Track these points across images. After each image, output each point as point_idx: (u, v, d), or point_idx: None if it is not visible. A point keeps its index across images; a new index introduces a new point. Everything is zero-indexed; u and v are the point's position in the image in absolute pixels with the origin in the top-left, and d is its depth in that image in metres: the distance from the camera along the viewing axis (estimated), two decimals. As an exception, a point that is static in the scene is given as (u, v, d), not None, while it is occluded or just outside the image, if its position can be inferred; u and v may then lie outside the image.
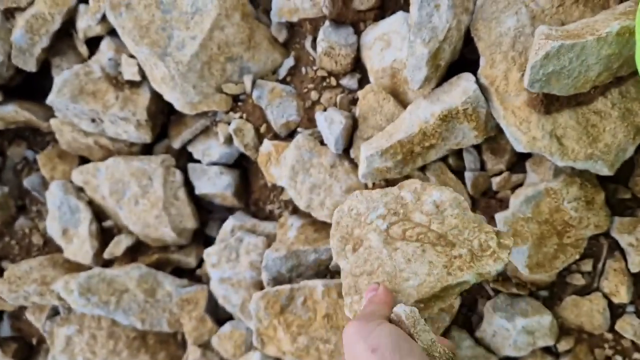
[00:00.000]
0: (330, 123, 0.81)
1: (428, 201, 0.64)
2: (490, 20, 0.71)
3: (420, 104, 0.73)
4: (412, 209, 0.64)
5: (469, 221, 0.62)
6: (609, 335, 0.77)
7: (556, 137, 0.66)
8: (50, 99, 0.95)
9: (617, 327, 0.76)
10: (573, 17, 0.69)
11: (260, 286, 0.89)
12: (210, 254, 0.91)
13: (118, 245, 1.02)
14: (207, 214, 1.04)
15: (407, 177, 0.77)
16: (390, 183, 0.79)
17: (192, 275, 1.04)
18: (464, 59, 0.79)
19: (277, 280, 0.84)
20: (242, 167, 0.99)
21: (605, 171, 0.67)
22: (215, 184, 0.95)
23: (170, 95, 0.90)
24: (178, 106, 0.91)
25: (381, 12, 0.86)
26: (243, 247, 0.88)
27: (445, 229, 0.62)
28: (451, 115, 0.71)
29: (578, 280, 0.77)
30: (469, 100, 0.71)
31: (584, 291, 0.77)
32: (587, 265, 0.76)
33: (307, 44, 0.91)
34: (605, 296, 0.76)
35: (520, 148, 0.68)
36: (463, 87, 0.72)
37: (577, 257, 0.74)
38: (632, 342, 0.75)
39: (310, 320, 0.82)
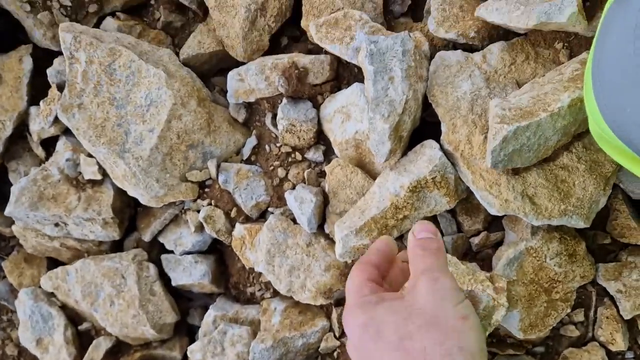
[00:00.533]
0: (301, 202, 0.79)
1: None
2: (445, 85, 0.71)
3: (389, 177, 0.72)
4: None
5: (463, 274, 0.65)
6: (613, 385, 0.75)
7: (528, 197, 0.66)
8: (9, 210, 0.91)
9: (619, 375, 0.74)
10: (526, 74, 0.70)
11: (249, 377, 0.85)
12: (194, 350, 0.87)
13: (97, 350, 0.97)
14: (187, 302, 1.00)
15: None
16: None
17: (179, 369, 1.00)
18: (424, 122, 0.79)
19: (266, 372, 0.80)
20: (218, 251, 0.96)
21: (581, 225, 0.66)
22: (191, 274, 0.92)
23: (134, 192, 0.88)
24: (143, 201, 0.88)
25: (337, 83, 0.86)
26: (227, 339, 0.85)
27: None
28: (420, 186, 0.70)
29: (572, 331, 0.75)
30: (436, 169, 0.70)
31: (579, 342, 0.76)
32: (579, 316, 0.75)
33: (268, 121, 0.90)
34: (602, 345, 0.74)
35: (493, 211, 0.67)
36: (428, 155, 0.71)
37: (569, 310, 0.72)
38: (637, 389, 0.73)
39: (306, 409, 0.79)
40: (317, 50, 0.89)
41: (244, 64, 0.91)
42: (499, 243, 0.76)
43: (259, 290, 0.92)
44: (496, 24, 0.67)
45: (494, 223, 0.77)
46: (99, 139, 0.86)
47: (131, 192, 0.88)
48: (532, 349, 0.76)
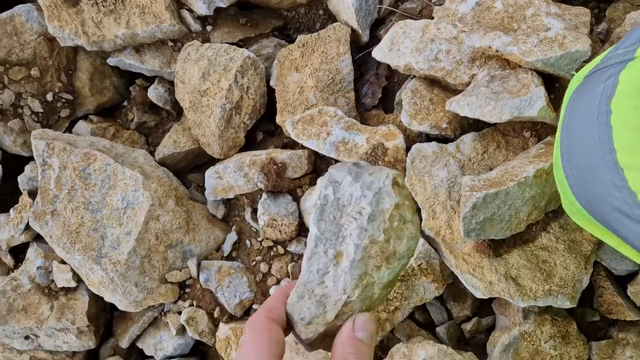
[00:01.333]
0: (287, 299, 0.77)
1: None
2: (423, 175, 0.73)
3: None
4: None
5: None
6: None
7: (512, 279, 0.66)
8: (-24, 327, 0.86)
9: None
10: (498, 161, 0.72)
11: None
12: None
13: None
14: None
15: (381, 343, 0.74)
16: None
17: None
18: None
19: None
20: (200, 353, 0.92)
21: (567, 304, 0.67)
22: (173, 381, 0.87)
23: (111, 298, 0.84)
24: (122, 307, 0.85)
25: (315, 175, 0.87)
26: None
27: None
28: (408, 274, 0.70)
29: (572, 414, 0.74)
30: (421, 256, 0.71)
31: None
32: (577, 397, 0.74)
33: (247, 216, 0.89)
34: None
35: (479, 294, 0.68)
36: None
37: (566, 392, 0.72)
38: None
39: None
40: (292, 144, 0.90)
41: (220, 160, 0.92)
42: (491, 328, 0.76)
43: (246, 393, 0.87)
44: (469, 117, 0.70)
45: (483, 308, 0.76)
46: (73, 246, 0.84)
47: (108, 298, 0.85)
48: None
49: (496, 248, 0.68)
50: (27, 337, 0.88)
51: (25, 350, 0.91)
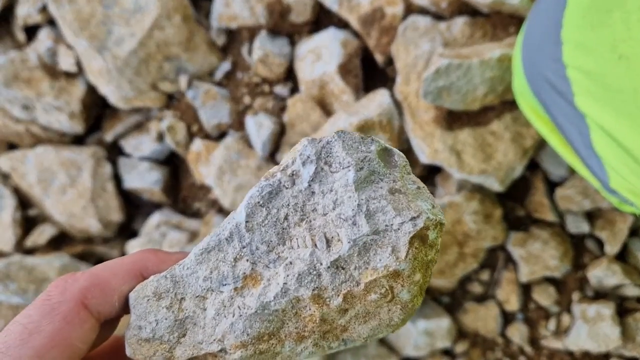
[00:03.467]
0: (259, 127, 0.85)
1: None
2: (409, 44, 0.78)
3: (341, 116, 0.78)
4: None
5: None
6: (500, 340, 0.84)
7: (455, 152, 0.73)
8: (-18, 82, 0.95)
9: (507, 333, 0.83)
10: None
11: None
12: (133, 246, 0.92)
13: (41, 235, 1.02)
14: (135, 208, 1.05)
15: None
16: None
17: (116, 268, 1.05)
18: (384, 75, 0.85)
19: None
20: (173, 165, 1.02)
21: (496, 186, 0.74)
22: (144, 178, 0.97)
23: (105, 88, 0.92)
24: (112, 99, 0.93)
25: (315, 26, 0.92)
26: (166, 241, 0.91)
27: None
28: (367, 125, 0.77)
29: (476, 288, 0.83)
30: (384, 112, 0.77)
31: (481, 298, 0.84)
32: (484, 275, 0.83)
33: (244, 50, 0.95)
34: (499, 304, 0.83)
35: (423, 158, 0.75)
36: (379, 100, 0.78)
37: (476, 266, 0.81)
38: (519, 346, 0.82)
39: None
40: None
41: (233, -7, 0.96)
42: (428, 198, 0.84)
43: (205, 206, 0.98)
44: (463, -4, 0.73)
45: (428, 179, 0.84)
46: (82, 31, 0.90)
47: (102, 89, 0.93)
48: (440, 298, 0.85)
49: (451, 122, 0.74)
50: (25, 107, 0.97)
51: (22, 120, 1.00)
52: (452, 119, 0.74)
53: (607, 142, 0.46)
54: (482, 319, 0.83)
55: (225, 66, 0.96)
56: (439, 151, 0.73)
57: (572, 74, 0.47)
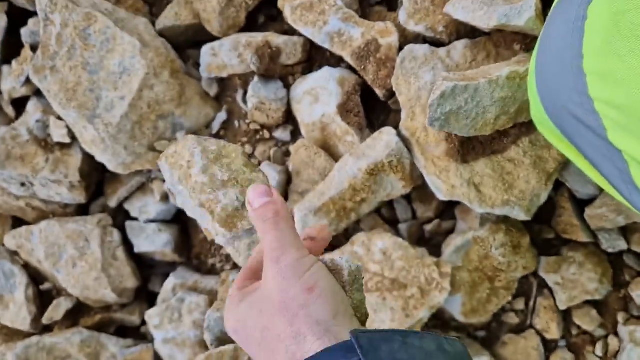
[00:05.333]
0: (264, 179, 0.81)
1: (376, 250, 0.72)
2: (409, 75, 0.74)
3: (348, 161, 0.74)
4: (366, 261, 0.73)
5: (412, 258, 0.69)
6: (545, 370, 0.79)
7: (474, 185, 0.69)
8: (-24, 167, 0.92)
9: (551, 362, 0.79)
10: (486, 71, 0.72)
11: (205, 344, 0.88)
12: (152, 315, 0.89)
13: (57, 309, 0.99)
14: (149, 269, 1.02)
15: (346, 232, 0.79)
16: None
17: (137, 333, 1.02)
18: (388, 109, 0.81)
19: (221, 340, 0.83)
20: (182, 222, 0.98)
21: (522, 216, 0.69)
22: (154, 241, 0.94)
23: (101, 157, 0.89)
24: (111, 167, 0.89)
25: (309, 65, 0.88)
26: (185, 307, 0.87)
27: (396, 272, 0.70)
28: (378, 169, 0.73)
29: (512, 319, 0.79)
30: (393, 153, 0.73)
31: (518, 329, 0.80)
32: (519, 304, 0.79)
33: (239, 97, 0.91)
34: (539, 333, 0.79)
35: (441, 196, 0.71)
36: (386, 140, 0.74)
37: (510, 298, 0.76)
38: (566, 375, 0.78)
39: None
40: (292, 31, 0.90)
41: (219, 38, 0.92)
42: (451, 231, 0.80)
43: (220, 262, 0.94)
44: (461, 21, 0.69)
45: (447, 212, 0.80)
46: (69, 103, 0.87)
47: (99, 158, 0.89)
48: (475, 333, 0.81)
49: (465, 155, 0.70)
50: (23, 184, 0.95)
51: (22, 196, 0.97)
52: (466, 151, 0.70)
53: None
54: (523, 350, 0.79)
55: (222, 116, 0.92)
56: (457, 187, 0.69)
57: (601, 109, 0.43)
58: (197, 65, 0.98)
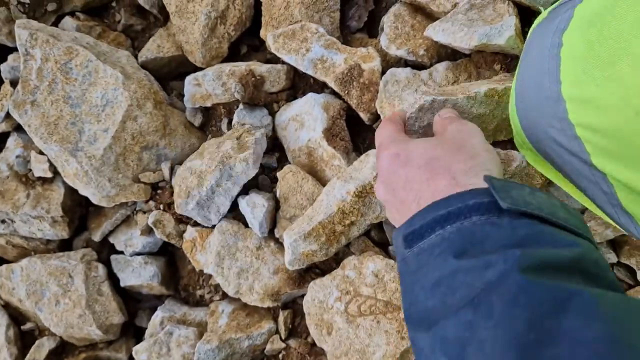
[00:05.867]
0: (253, 207, 0.81)
1: (367, 273, 0.74)
2: (393, 98, 0.75)
3: (335, 185, 0.75)
4: (358, 284, 0.73)
5: None
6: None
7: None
8: (-46, 205, 0.90)
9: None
10: (468, 91, 0.74)
11: (195, 379, 0.85)
12: (139, 351, 0.87)
13: (39, 350, 0.96)
14: (136, 303, 1.00)
15: (336, 256, 0.78)
16: (319, 266, 0.80)
17: (124, 371, 0.99)
18: (372, 131, 0.82)
19: (211, 373, 0.81)
20: (168, 253, 0.97)
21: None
22: (140, 274, 0.92)
23: (85, 190, 0.87)
24: (95, 200, 0.88)
25: (292, 92, 0.89)
26: (174, 340, 0.85)
27: (389, 294, 0.70)
28: (366, 191, 0.73)
29: None
30: (381, 175, 0.74)
31: None
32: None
33: (224, 126, 0.91)
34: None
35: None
36: (372, 162, 0.74)
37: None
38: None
39: (249, 411, 0.79)
40: (275, 59, 0.91)
41: (202, 69, 0.93)
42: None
43: (209, 292, 0.93)
44: (442, 43, 0.71)
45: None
46: (51, 137, 0.86)
47: (82, 191, 0.88)
48: None
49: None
50: (3, 221, 0.92)
51: (1, 234, 0.95)
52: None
53: (636, 199, 0.42)
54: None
55: (206, 145, 0.92)
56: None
57: (583, 134, 0.43)
58: (181, 96, 0.98)
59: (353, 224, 0.74)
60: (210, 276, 0.92)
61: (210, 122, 0.94)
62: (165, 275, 0.94)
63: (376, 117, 0.81)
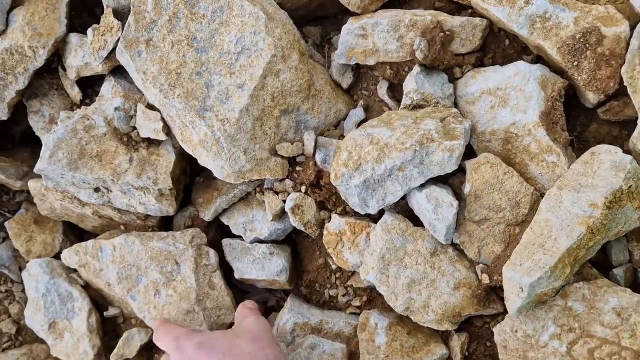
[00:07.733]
0: (437, 206, 0.62)
1: (606, 309, 0.57)
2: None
3: (562, 198, 0.57)
4: (588, 321, 0.57)
5: None
6: None
7: None
8: (41, 167, 0.71)
9: None
10: None
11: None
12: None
13: (129, 344, 0.79)
14: (242, 294, 0.83)
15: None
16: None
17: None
18: (591, 120, 0.63)
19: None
20: (292, 241, 0.79)
21: None
22: (264, 268, 0.75)
23: (212, 163, 0.68)
24: (220, 175, 0.69)
25: (482, 55, 0.69)
26: (316, 357, 0.69)
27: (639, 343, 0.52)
28: (616, 200, 0.55)
29: None
30: (630, 176, 0.56)
31: None
32: None
33: (382, 91, 0.72)
34: None
35: None
36: (610, 162, 0.56)
37: None
38: None
39: None
40: (448, 8, 0.71)
41: (356, 15, 0.72)
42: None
43: (344, 295, 0.76)
44: None
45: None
46: (173, 89, 0.66)
47: (207, 162, 0.69)
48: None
49: None
50: (97, 190, 0.74)
51: (89, 204, 0.77)
52: None
53: None
54: None
55: (358, 114, 0.72)
56: None
57: None
58: (318, 47, 0.78)
59: (596, 244, 0.56)
60: (348, 275, 0.75)
61: (360, 84, 0.74)
62: (291, 270, 0.76)
63: (607, 99, 0.62)
